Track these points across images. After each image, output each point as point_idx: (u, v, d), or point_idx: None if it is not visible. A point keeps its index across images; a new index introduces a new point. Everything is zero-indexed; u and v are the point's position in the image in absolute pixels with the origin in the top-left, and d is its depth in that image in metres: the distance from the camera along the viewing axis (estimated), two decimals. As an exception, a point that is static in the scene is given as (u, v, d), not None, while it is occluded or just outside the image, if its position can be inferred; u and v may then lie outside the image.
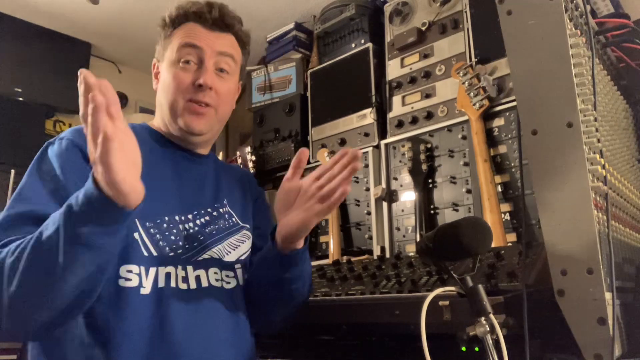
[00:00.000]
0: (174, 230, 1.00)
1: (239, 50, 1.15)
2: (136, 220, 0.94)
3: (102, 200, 0.74)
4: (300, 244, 1.00)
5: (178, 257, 0.99)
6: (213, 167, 1.18)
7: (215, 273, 1.03)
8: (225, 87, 1.10)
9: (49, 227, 0.77)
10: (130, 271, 0.92)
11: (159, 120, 1.14)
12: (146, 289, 0.93)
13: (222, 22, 1.12)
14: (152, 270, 0.95)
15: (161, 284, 0.95)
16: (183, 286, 0.97)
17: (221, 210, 1.11)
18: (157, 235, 0.97)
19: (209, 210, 1.09)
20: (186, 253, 1.00)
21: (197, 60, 1.07)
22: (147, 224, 0.96)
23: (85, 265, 0.77)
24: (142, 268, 0.93)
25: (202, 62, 1.06)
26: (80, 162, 0.93)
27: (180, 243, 1.00)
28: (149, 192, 0.99)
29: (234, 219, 1.13)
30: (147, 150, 1.05)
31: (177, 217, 1.02)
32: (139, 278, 0.92)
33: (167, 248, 0.98)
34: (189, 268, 0.99)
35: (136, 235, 0.94)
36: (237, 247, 1.11)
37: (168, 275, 0.96)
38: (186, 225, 1.03)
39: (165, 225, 0.98)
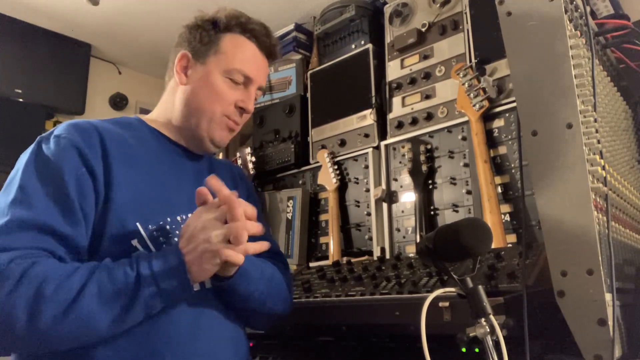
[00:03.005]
0: (177, 232, 0.98)
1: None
2: (137, 224, 0.93)
3: (184, 275, 0.84)
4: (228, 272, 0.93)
5: None
6: (207, 163, 1.16)
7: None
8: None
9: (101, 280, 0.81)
10: None
11: (167, 116, 1.10)
12: None
13: (275, 51, 1.14)
14: None
15: None
16: None
17: None
18: (161, 238, 0.95)
19: None
20: None
21: (244, 82, 1.08)
22: (150, 226, 0.95)
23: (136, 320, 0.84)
24: None
25: (248, 86, 1.09)
26: (78, 163, 0.91)
27: None
28: (151, 193, 0.97)
29: None
30: (145, 146, 1.04)
31: (178, 218, 1.00)
32: None
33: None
34: None
35: (134, 242, 0.92)
36: None
37: None
38: None
39: (168, 227, 0.97)
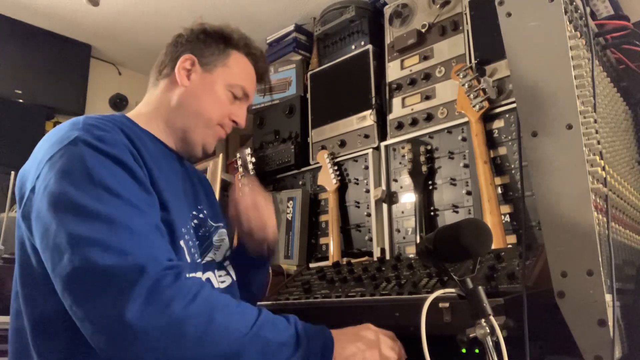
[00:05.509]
0: (192, 232, 0.99)
1: None
2: (176, 225, 0.91)
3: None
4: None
5: (200, 261, 0.98)
6: (186, 167, 1.14)
7: (220, 276, 1.03)
8: None
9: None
10: None
11: (159, 115, 1.07)
12: None
13: (266, 78, 1.21)
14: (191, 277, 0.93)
15: None
16: None
17: (205, 211, 1.10)
18: (190, 242, 0.95)
19: (195, 213, 1.06)
20: (199, 255, 0.99)
21: (241, 97, 1.13)
22: (183, 229, 0.94)
23: None
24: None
25: (243, 103, 1.14)
26: (134, 162, 0.87)
27: (198, 246, 0.99)
28: (169, 197, 0.93)
29: (209, 220, 1.11)
30: (148, 150, 0.97)
31: (193, 223, 1.01)
32: None
33: (195, 254, 0.96)
34: (199, 272, 0.98)
35: (182, 242, 0.91)
36: (219, 247, 1.10)
37: None
38: (194, 226, 1.01)
39: (192, 230, 0.97)
